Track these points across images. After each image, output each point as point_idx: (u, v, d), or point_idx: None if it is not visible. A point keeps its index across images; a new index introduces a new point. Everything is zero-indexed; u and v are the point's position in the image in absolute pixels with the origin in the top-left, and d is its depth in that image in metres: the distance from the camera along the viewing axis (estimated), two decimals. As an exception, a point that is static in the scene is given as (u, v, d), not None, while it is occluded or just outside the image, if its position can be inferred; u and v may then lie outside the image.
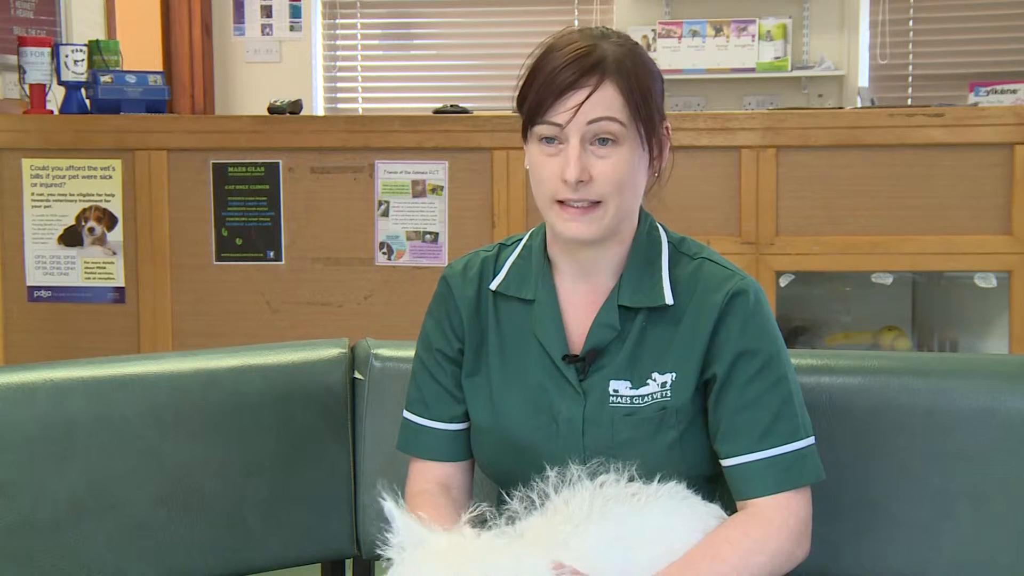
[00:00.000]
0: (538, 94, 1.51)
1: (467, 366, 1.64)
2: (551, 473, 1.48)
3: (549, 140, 1.52)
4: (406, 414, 1.70)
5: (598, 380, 1.56)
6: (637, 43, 1.57)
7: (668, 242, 1.62)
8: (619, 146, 1.51)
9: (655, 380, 1.54)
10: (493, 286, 1.64)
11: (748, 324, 1.53)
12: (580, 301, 1.60)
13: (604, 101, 1.49)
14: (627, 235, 1.59)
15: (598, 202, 1.52)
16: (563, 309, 1.60)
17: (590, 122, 1.49)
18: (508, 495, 1.52)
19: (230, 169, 3.50)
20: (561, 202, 1.53)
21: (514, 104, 1.57)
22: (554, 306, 1.60)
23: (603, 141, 1.50)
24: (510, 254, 1.66)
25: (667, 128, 1.58)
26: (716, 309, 1.54)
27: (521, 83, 1.55)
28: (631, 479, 1.48)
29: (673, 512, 1.47)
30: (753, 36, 5.91)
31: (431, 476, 1.66)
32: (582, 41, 1.52)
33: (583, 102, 1.48)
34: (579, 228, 1.53)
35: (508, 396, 1.60)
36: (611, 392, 1.55)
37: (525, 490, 1.49)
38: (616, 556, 1.41)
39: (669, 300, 1.56)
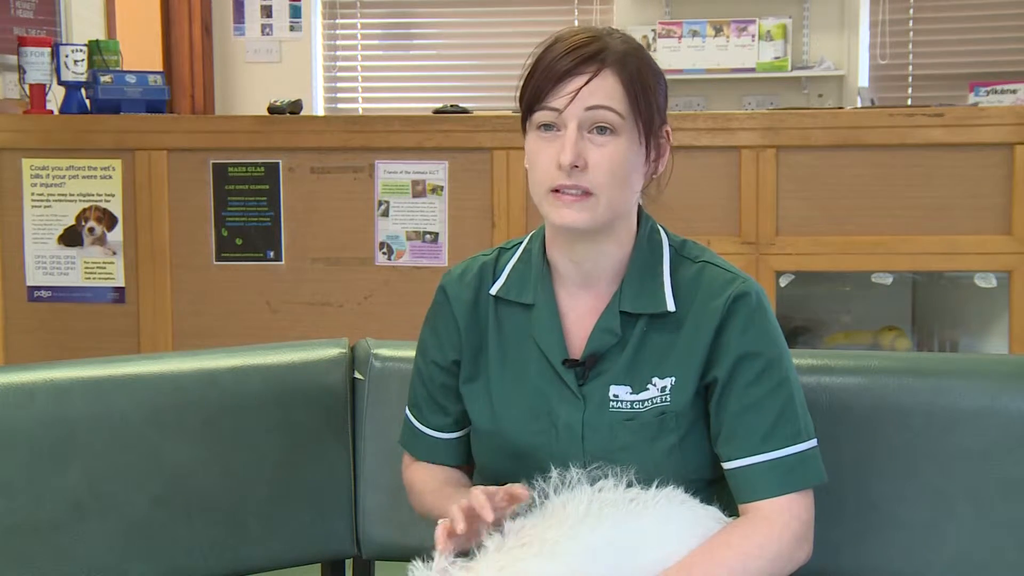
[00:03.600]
0: (537, 81, 1.51)
1: (466, 371, 1.64)
2: (553, 474, 1.48)
3: (547, 127, 1.51)
4: (407, 412, 1.72)
5: (598, 385, 1.55)
6: (642, 46, 1.57)
7: (669, 246, 1.61)
8: (616, 136, 1.50)
9: (655, 385, 1.54)
10: (493, 291, 1.64)
11: (750, 327, 1.53)
12: (581, 306, 1.60)
13: (604, 89, 1.49)
14: (625, 237, 1.58)
15: (591, 193, 1.51)
16: (563, 313, 1.60)
17: (588, 108, 1.49)
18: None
19: (230, 169, 3.50)
20: (556, 191, 1.51)
21: (516, 100, 1.56)
22: (553, 310, 1.59)
23: (601, 130, 1.50)
24: (510, 258, 1.66)
25: (668, 132, 1.58)
26: (718, 313, 1.53)
27: (524, 76, 1.55)
28: (630, 484, 1.48)
29: (670, 517, 1.47)
30: (753, 36, 5.91)
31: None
32: (586, 35, 1.52)
33: (581, 87, 1.48)
34: (572, 216, 1.51)
35: (508, 400, 1.60)
36: (611, 397, 1.54)
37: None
38: (607, 560, 1.40)
39: (671, 307, 1.55)
